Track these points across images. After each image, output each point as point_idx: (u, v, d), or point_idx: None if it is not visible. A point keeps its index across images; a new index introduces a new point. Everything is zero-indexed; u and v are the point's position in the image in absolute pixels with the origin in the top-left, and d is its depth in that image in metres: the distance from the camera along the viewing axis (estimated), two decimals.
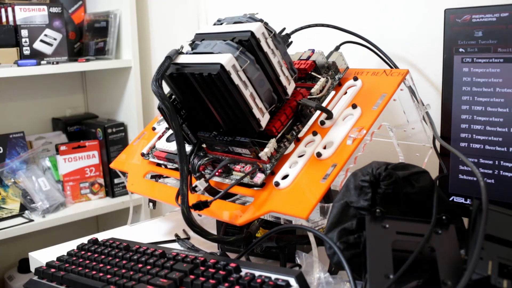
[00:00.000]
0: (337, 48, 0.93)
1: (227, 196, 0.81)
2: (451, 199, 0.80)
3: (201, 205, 0.76)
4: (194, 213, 0.77)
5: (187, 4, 1.50)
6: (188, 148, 0.84)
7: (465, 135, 0.78)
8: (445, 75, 0.79)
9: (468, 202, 0.78)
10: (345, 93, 0.84)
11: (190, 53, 0.79)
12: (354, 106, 0.79)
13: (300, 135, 0.80)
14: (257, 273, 0.64)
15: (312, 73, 0.85)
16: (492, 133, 0.75)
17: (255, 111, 0.75)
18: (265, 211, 0.73)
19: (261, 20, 0.80)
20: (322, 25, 1.00)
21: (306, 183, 0.72)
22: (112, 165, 1.04)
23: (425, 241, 0.56)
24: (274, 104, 0.78)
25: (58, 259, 0.78)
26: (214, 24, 0.86)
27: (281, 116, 0.78)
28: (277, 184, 0.74)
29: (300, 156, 0.77)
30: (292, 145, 0.80)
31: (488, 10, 0.73)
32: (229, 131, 0.79)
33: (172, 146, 0.90)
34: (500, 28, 0.72)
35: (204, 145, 0.85)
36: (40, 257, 0.89)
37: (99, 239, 0.82)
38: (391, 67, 0.93)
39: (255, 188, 0.77)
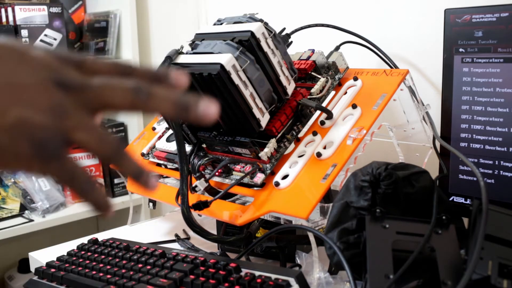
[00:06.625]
0: (337, 48, 0.93)
1: (227, 196, 0.81)
2: (451, 199, 0.80)
3: (201, 205, 0.76)
4: (194, 213, 0.77)
5: (187, 4, 1.50)
6: (188, 148, 0.84)
7: (465, 135, 0.78)
8: (445, 75, 0.79)
9: (468, 202, 0.78)
10: (345, 93, 0.84)
11: (190, 53, 0.79)
12: (354, 106, 0.79)
13: (300, 135, 0.80)
14: (257, 273, 0.64)
15: (312, 73, 0.85)
16: (492, 133, 0.75)
17: (255, 111, 0.75)
18: (265, 211, 0.73)
19: (261, 20, 0.80)
20: (322, 25, 0.99)
21: (306, 183, 0.72)
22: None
23: (425, 241, 0.56)
24: (274, 104, 0.78)
25: (58, 259, 0.78)
26: (214, 24, 0.86)
27: (281, 116, 0.78)
28: (277, 184, 0.74)
29: (300, 156, 0.77)
30: (292, 145, 0.80)
31: (488, 10, 0.73)
32: (229, 131, 0.79)
33: (172, 146, 0.90)
34: (500, 28, 0.72)
35: (204, 145, 0.85)
36: (40, 257, 0.89)
37: (99, 239, 0.82)
38: (391, 67, 0.93)
39: (255, 188, 0.77)
